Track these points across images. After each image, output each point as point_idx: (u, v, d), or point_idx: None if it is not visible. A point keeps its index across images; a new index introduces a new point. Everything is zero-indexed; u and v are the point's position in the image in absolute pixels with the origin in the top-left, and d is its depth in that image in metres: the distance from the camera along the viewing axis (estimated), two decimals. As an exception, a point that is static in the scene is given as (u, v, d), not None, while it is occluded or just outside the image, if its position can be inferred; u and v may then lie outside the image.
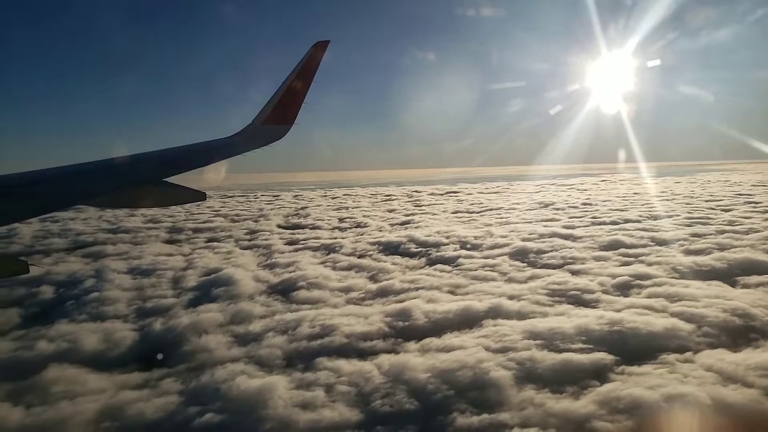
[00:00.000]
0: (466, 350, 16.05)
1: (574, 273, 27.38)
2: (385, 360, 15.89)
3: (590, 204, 66.70)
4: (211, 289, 25.81)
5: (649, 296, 22.56)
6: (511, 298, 22.43)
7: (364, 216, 61.41)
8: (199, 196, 6.99)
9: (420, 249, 36.05)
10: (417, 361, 15.50)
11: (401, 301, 22.71)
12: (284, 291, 25.56)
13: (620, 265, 29.14)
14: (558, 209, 62.32)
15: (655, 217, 49.34)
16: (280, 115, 8.42)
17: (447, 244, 36.96)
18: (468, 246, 36.48)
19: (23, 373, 15.77)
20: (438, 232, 42.52)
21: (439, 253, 34.11)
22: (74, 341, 18.40)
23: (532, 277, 27.00)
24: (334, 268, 30.95)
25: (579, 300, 22.49)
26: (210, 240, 46.17)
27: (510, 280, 26.79)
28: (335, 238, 43.43)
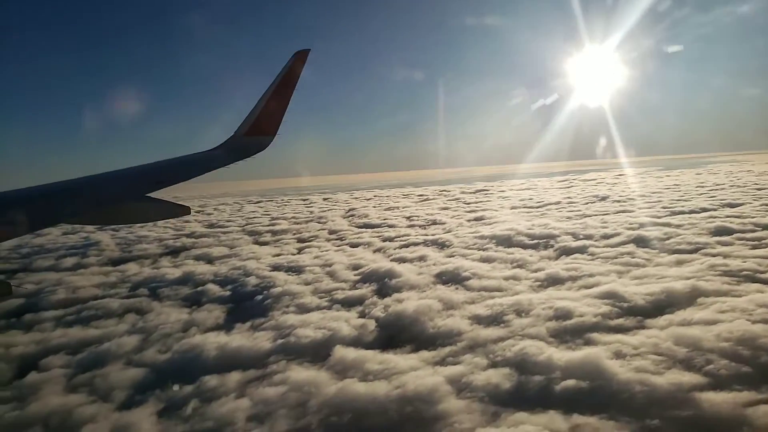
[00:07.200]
0: (732, 323, 17.06)
1: (720, 256, 28.49)
2: (659, 333, 16.90)
3: (644, 196, 68.26)
4: (383, 281, 26.68)
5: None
6: (698, 280, 23.46)
7: (426, 214, 62.49)
8: (184, 210, 6.95)
9: (535, 241, 37.06)
10: (694, 332, 16.53)
11: (590, 287, 23.75)
12: (454, 281, 26.46)
13: (752, 248, 30.34)
14: (617, 201, 63.72)
15: (729, 205, 50.81)
16: (262, 126, 8.38)
17: (558, 236, 38.06)
18: (581, 237, 37.62)
19: (318, 356, 16.67)
20: (535, 225, 43.72)
21: (561, 244, 35.14)
22: (330, 328, 19.24)
23: (680, 262, 28.13)
24: (470, 260, 31.91)
25: (758, 279, 23.57)
26: (300, 240, 47.06)
27: (659, 265, 27.86)
28: (429, 235, 44.45)
